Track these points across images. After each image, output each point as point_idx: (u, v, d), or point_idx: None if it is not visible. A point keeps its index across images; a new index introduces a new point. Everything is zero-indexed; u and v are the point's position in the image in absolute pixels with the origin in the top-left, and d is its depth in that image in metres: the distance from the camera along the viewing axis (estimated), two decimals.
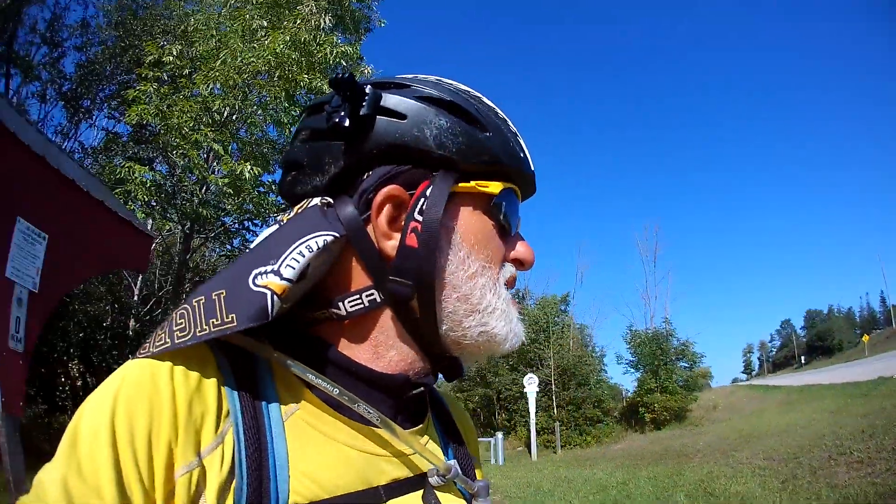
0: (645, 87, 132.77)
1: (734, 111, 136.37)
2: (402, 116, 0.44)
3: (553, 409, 18.43)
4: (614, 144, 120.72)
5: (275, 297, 0.39)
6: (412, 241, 0.44)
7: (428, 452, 0.46)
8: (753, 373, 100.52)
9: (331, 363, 0.44)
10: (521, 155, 0.49)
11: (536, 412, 16.43)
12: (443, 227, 0.44)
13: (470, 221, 0.47)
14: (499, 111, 0.50)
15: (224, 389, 0.39)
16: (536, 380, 15.95)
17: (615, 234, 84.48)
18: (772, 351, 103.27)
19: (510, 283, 0.49)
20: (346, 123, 0.43)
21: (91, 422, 0.35)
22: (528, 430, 15.84)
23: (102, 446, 0.34)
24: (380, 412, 0.42)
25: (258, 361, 0.43)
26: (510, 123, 0.50)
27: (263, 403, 0.40)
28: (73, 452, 0.34)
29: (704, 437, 11.65)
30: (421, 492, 0.45)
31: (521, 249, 0.50)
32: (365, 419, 0.43)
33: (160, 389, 0.37)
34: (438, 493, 0.46)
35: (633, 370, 20.32)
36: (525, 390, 15.80)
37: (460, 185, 0.46)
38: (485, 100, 0.50)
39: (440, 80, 0.49)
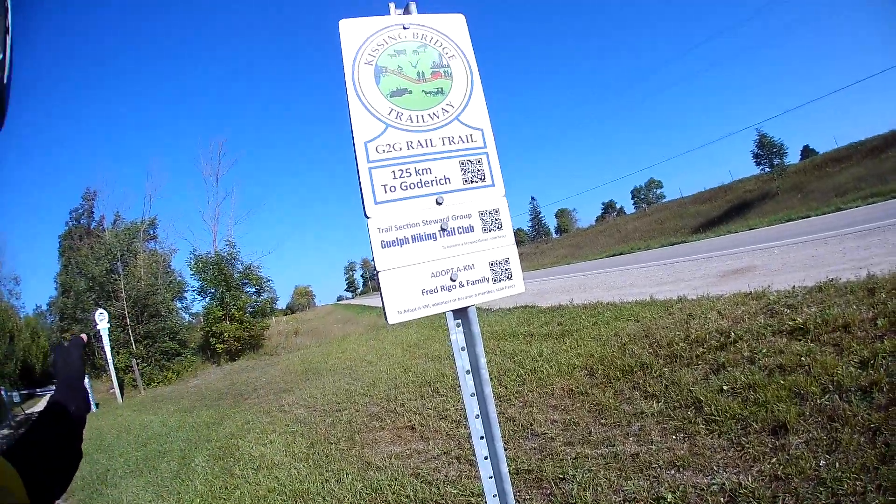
0: None
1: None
2: None
3: (131, 344, 16.99)
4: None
5: None
6: None
7: None
8: (358, 291, 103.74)
9: None
10: None
11: (118, 350, 15.43)
12: None
13: None
14: None
15: None
16: (107, 315, 14.84)
17: (183, 151, 76.91)
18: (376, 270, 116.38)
19: None
20: None
21: None
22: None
23: None
24: None
25: None
26: None
27: None
28: None
29: (271, 371, 11.15)
30: None
31: None
32: None
33: None
34: None
35: (199, 297, 18.87)
36: (98, 327, 14.44)
37: None
38: None
39: None
